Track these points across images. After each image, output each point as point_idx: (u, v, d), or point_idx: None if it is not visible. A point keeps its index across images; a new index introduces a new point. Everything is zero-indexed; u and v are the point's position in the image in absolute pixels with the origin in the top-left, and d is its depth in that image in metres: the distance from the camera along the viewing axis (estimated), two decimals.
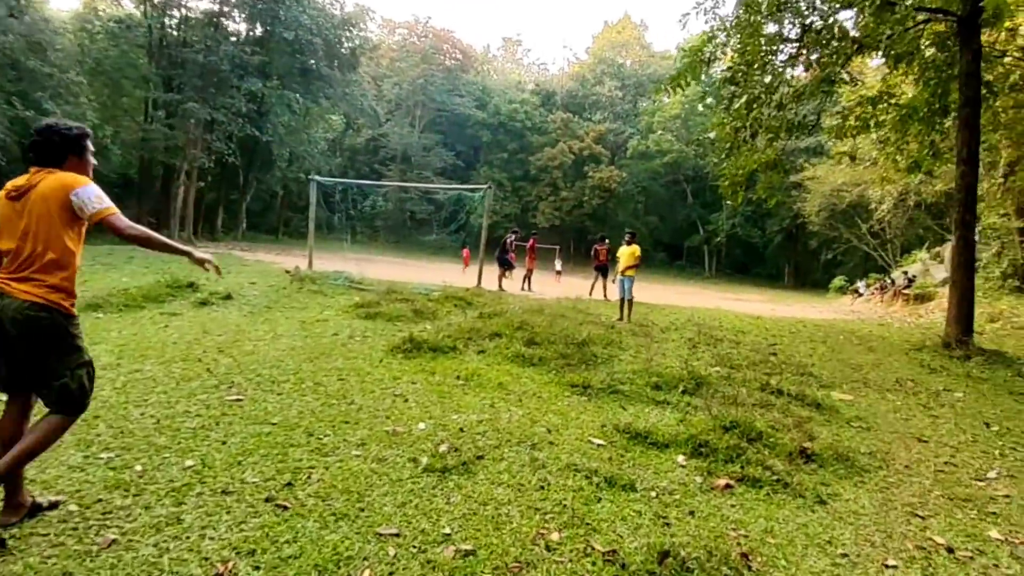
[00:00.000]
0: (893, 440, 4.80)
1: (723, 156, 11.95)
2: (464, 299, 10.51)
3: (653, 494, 3.28)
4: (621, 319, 10.23)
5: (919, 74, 11.59)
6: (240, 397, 4.36)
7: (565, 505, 3.02)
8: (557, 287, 19.15)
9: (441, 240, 42.21)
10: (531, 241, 18.13)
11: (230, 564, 2.26)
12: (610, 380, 5.66)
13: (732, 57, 11.06)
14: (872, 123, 11.72)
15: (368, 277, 12.99)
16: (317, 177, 16.75)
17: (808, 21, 10.19)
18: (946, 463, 4.35)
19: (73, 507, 2.60)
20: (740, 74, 10.70)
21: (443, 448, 3.63)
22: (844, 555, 2.81)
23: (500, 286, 15.02)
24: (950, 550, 2.94)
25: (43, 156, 2.51)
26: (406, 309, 8.87)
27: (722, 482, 3.51)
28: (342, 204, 19.27)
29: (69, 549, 2.29)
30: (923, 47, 11.21)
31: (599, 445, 3.98)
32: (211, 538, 2.43)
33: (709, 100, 21.10)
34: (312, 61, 32.30)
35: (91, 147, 2.66)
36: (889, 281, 23.50)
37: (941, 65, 10.97)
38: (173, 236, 27.11)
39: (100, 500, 2.68)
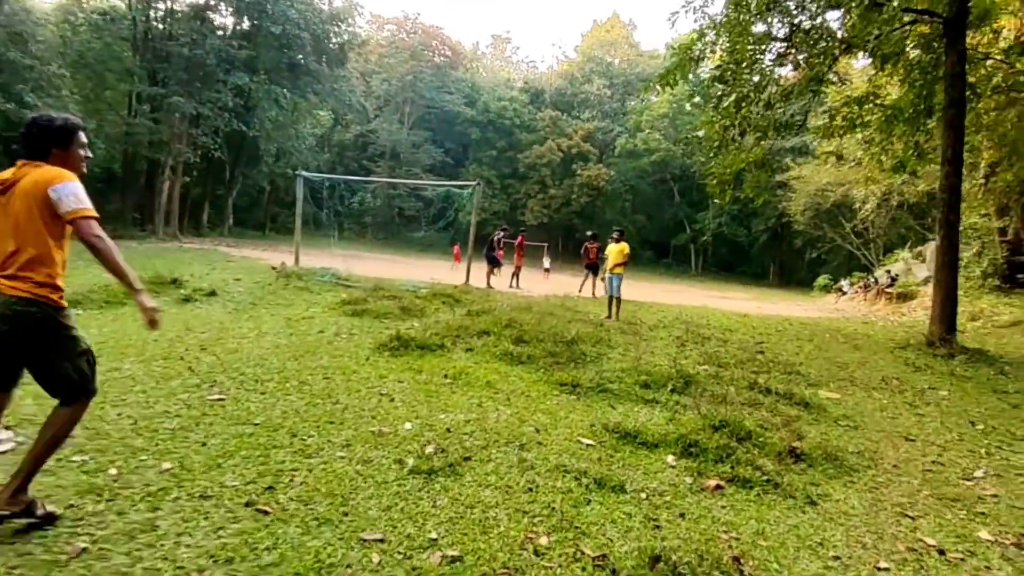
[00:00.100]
0: (881, 439, 4.80)
1: (711, 155, 11.96)
2: (452, 296, 10.44)
3: (643, 495, 3.24)
4: (609, 317, 10.20)
5: (904, 75, 11.68)
6: (222, 396, 4.26)
7: (554, 508, 2.97)
8: (545, 284, 19.11)
9: (430, 237, 42.02)
10: (519, 239, 18.05)
11: (206, 573, 2.18)
12: (599, 379, 5.62)
13: (721, 56, 11.06)
14: (858, 123, 11.78)
15: (356, 274, 12.86)
16: (304, 172, 16.56)
17: (797, 21, 10.21)
18: (934, 462, 4.35)
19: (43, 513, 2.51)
20: (729, 73, 10.70)
21: (430, 449, 3.56)
22: (836, 557, 2.78)
23: (488, 283, 14.94)
24: (941, 552, 2.92)
25: (28, 149, 2.45)
26: (393, 306, 8.79)
27: (712, 483, 3.47)
28: (330, 200, 19.08)
29: (36, 559, 2.20)
30: (908, 49, 11.29)
31: (588, 445, 3.94)
32: (187, 545, 2.34)
33: (697, 99, 21.13)
34: (300, 56, 31.91)
35: (82, 139, 2.58)
36: (872, 280, 23.72)
37: (926, 66, 11.05)
38: (158, 232, 26.81)
39: (72, 506, 2.58)
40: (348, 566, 2.31)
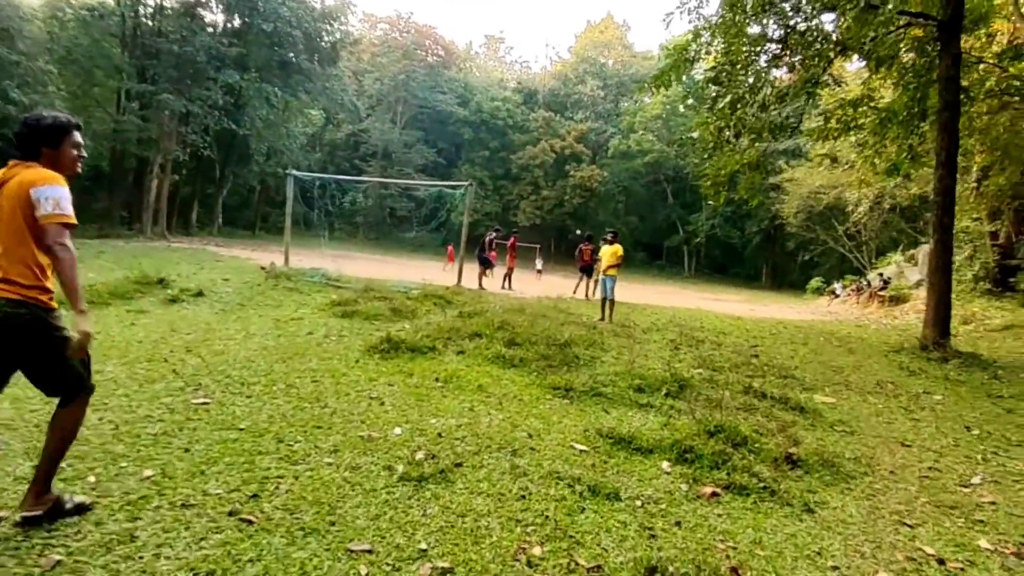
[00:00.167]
0: (877, 444, 4.76)
1: (706, 156, 11.94)
2: (444, 298, 10.35)
3: (638, 503, 3.17)
4: (603, 319, 10.14)
5: (898, 78, 11.70)
6: (207, 400, 4.16)
7: (547, 516, 2.89)
8: (538, 286, 19.06)
9: (421, 237, 41.89)
10: (512, 240, 17.98)
11: None
12: (592, 382, 5.55)
13: (716, 57, 11.04)
14: (852, 126, 11.79)
15: (346, 274, 12.74)
16: (295, 172, 16.40)
17: (792, 22, 10.19)
18: (930, 468, 4.31)
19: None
20: (724, 74, 10.68)
21: (420, 455, 3.48)
22: (835, 567, 2.72)
23: (480, 285, 14.87)
24: (941, 561, 2.87)
25: (21, 148, 2.44)
26: (384, 307, 8.69)
27: (708, 490, 3.41)
28: (321, 200, 18.92)
29: (8, 571, 2.10)
30: (902, 52, 11.31)
31: (582, 451, 3.86)
32: (167, 557, 2.25)
33: (690, 100, 21.18)
34: (291, 54, 31.72)
35: (74, 139, 2.53)
36: (865, 283, 23.83)
37: (920, 70, 11.08)
38: (146, 230, 26.53)
39: None
40: None
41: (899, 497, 3.68)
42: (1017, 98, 13.36)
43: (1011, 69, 13.17)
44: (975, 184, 17.30)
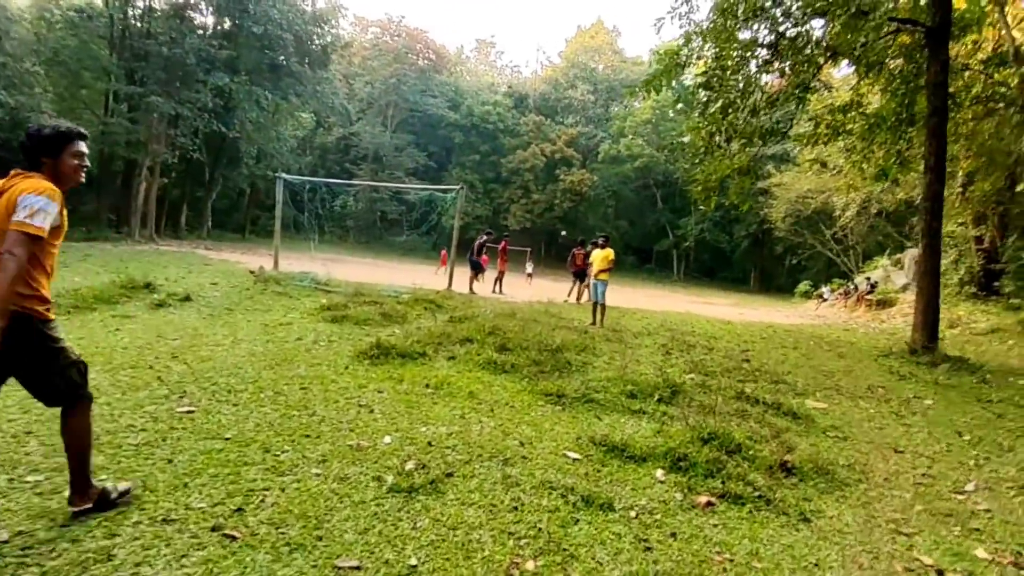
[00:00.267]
0: (870, 451, 4.74)
1: (696, 161, 11.96)
2: (434, 302, 10.26)
3: (632, 513, 3.11)
4: (594, 324, 10.10)
5: (886, 84, 11.79)
6: (192, 408, 4.06)
7: (540, 528, 2.83)
8: (528, 290, 19.00)
9: (412, 241, 41.70)
10: (503, 243, 17.93)
11: None
12: (584, 388, 5.50)
13: (707, 62, 11.07)
14: (842, 131, 11.86)
15: (336, 278, 12.63)
16: (284, 175, 16.26)
17: (782, 28, 10.24)
18: (924, 475, 4.29)
19: None
20: (716, 79, 10.70)
21: (410, 465, 3.40)
22: None
23: (471, 289, 14.80)
24: (940, 572, 2.83)
25: (24, 158, 2.45)
26: (374, 312, 8.59)
27: (703, 499, 3.36)
28: (311, 204, 18.77)
29: None
30: (890, 58, 11.39)
31: (575, 459, 3.80)
32: None
33: (680, 105, 21.26)
34: (282, 57, 31.54)
35: (75, 148, 2.51)
36: (852, 287, 24.02)
37: (908, 75, 11.16)
38: (134, 234, 26.25)
39: (21, 532, 2.39)
40: None
41: (894, 505, 3.66)
42: (1002, 105, 13.52)
43: (996, 76, 13.34)
44: (960, 189, 17.49)
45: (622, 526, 2.96)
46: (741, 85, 10.70)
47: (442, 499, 3.04)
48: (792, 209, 31.68)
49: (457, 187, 16.38)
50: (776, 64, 10.56)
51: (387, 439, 3.82)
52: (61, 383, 2.47)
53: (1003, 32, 13.59)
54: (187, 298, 8.87)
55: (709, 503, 3.32)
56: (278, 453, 3.43)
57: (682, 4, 11.06)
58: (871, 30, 8.91)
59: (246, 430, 3.75)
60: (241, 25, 29.46)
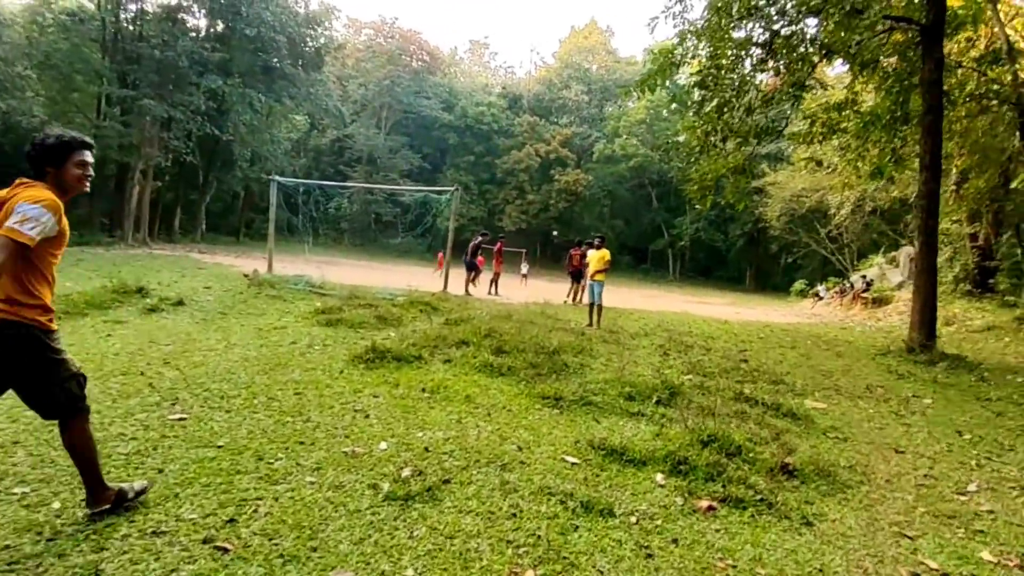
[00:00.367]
0: (871, 452, 4.70)
1: (692, 160, 11.93)
2: (430, 304, 10.20)
3: (633, 519, 3.06)
4: (591, 325, 10.05)
5: (880, 82, 11.79)
6: (184, 416, 3.99)
7: (539, 536, 2.77)
8: (523, 290, 18.95)
9: (407, 243, 41.59)
10: (498, 244, 17.88)
11: None
12: (582, 391, 5.44)
13: (701, 61, 11.04)
14: (837, 129, 11.86)
15: (331, 281, 12.55)
16: (278, 178, 16.17)
17: (777, 26, 10.22)
18: (926, 476, 4.25)
19: None
20: (710, 78, 10.67)
21: (406, 472, 3.34)
22: None
23: (467, 290, 14.74)
24: None
25: (30, 167, 2.45)
26: (369, 315, 8.53)
27: (704, 504, 3.31)
28: (305, 206, 18.71)
29: None
30: (884, 56, 11.39)
31: (573, 464, 3.75)
32: None
33: (674, 105, 21.24)
34: (275, 59, 31.42)
35: (79, 157, 2.50)
36: (848, 285, 24.04)
37: (902, 74, 11.16)
38: (127, 238, 26.09)
39: (7, 546, 2.32)
40: None
41: (897, 507, 3.62)
42: (995, 102, 13.54)
43: (989, 73, 13.35)
44: (954, 187, 17.53)
45: (623, 532, 2.91)
46: (736, 84, 10.67)
47: (439, 507, 2.99)
48: (787, 208, 31.73)
49: (452, 188, 16.34)
50: (771, 63, 10.54)
51: (383, 445, 3.76)
52: (60, 395, 2.46)
53: (996, 29, 13.62)
54: (180, 302, 8.79)
55: (710, 507, 3.28)
56: (271, 461, 3.36)
57: (676, 3, 11.05)
58: (865, 28, 8.90)
59: (239, 437, 3.68)
60: (234, 27, 29.33)
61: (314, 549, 2.48)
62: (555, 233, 44.97)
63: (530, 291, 18.40)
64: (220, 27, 30.91)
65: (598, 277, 10.44)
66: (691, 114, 12.12)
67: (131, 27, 28.05)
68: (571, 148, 49.90)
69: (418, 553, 2.53)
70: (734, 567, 2.68)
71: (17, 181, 2.41)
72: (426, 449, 3.76)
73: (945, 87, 11.23)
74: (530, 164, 47.80)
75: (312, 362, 5.89)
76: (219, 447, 3.50)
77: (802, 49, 10.23)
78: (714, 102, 10.76)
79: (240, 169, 35.30)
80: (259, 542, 2.49)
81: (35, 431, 3.49)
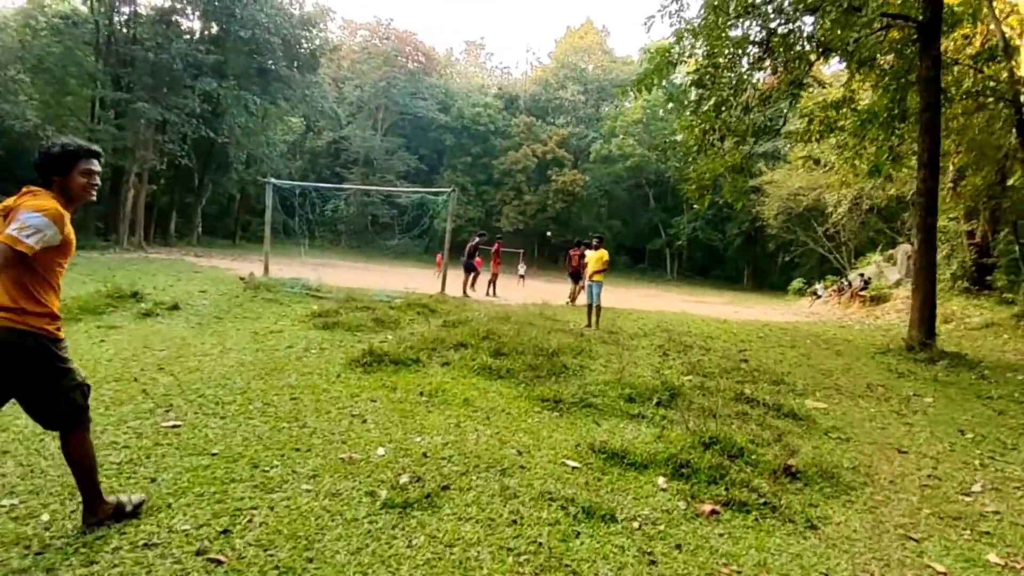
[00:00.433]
0: (873, 452, 4.66)
1: (690, 159, 11.90)
2: (427, 306, 10.14)
3: (635, 524, 3.01)
4: (589, 326, 10.00)
5: (876, 80, 11.77)
6: (178, 423, 3.93)
7: (541, 543, 2.72)
8: (521, 292, 18.90)
9: (404, 244, 41.54)
10: (496, 245, 17.81)
11: None
12: (582, 393, 5.39)
13: (697, 60, 11.01)
14: (835, 127, 11.84)
15: (328, 283, 12.47)
16: (274, 180, 16.09)
17: (774, 25, 10.19)
18: (929, 476, 4.21)
19: None
20: (708, 76, 10.63)
21: (404, 478, 3.29)
22: None
23: (464, 292, 14.69)
24: None
25: (38, 176, 2.45)
26: (366, 318, 8.47)
27: (707, 508, 3.26)
28: (301, 209, 18.64)
29: None
30: (881, 54, 11.37)
31: (574, 468, 3.70)
32: None
33: (671, 104, 21.22)
34: (270, 61, 31.35)
35: (84, 166, 2.48)
36: (846, 283, 24.03)
37: (899, 71, 11.14)
38: (122, 241, 26.02)
39: None
40: None
41: (901, 509, 3.57)
42: (992, 99, 13.54)
43: (986, 70, 13.35)
44: (952, 184, 17.52)
45: (625, 538, 2.86)
46: (734, 82, 10.64)
47: (438, 514, 2.93)
48: (784, 206, 31.73)
49: (449, 189, 16.29)
50: (768, 61, 10.51)
51: (380, 451, 3.70)
52: (65, 406, 2.44)
53: (991, 27, 13.62)
54: (175, 307, 8.71)
55: (713, 511, 3.23)
56: (267, 468, 3.30)
57: (672, 2, 11.01)
58: (863, 26, 8.87)
59: (234, 444, 3.62)
60: (228, 30, 29.27)
61: (310, 560, 2.42)
62: (548, 234, 44.98)
63: (528, 292, 18.35)
64: (214, 29, 30.86)
65: (596, 278, 10.39)
66: (688, 113, 12.08)
67: (124, 30, 28.00)
68: (568, 148, 49.91)
69: (417, 563, 2.48)
70: (739, 573, 2.63)
71: (24, 189, 2.40)
72: (424, 454, 3.70)
73: (942, 84, 11.22)
74: (527, 165, 47.79)
75: (309, 366, 5.83)
76: (213, 455, 3.43)
77: (799, 47, 10.20)
78: (712, 101, 10.71)
79: (236, 172, 35.25)
80: (254, 553, 2.43)
81: (25, 440, 3.43)
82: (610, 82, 52.03)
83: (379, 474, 3.34)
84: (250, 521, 2.69)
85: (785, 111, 11.37)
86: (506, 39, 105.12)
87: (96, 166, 2.53)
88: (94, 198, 2.57)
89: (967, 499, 3.83)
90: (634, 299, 19.25)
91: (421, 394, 5.05)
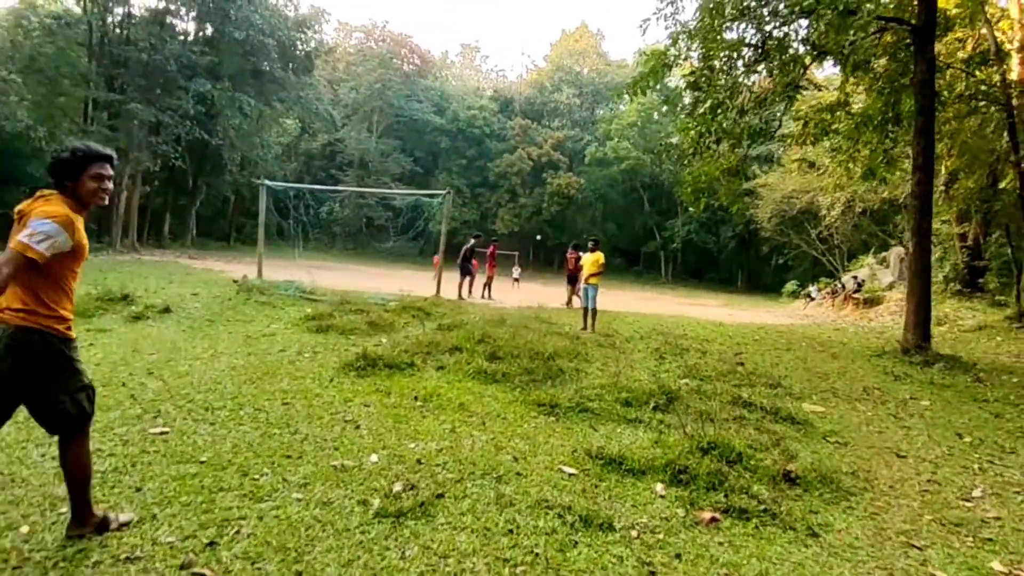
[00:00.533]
0: (872, 456, 4.61)
1: (685, 162, 11.86)
2: (422, 309, 10.08)
3: (634, 533, 2.95)
4: (585, 329, 9.95)
5: (871, 84, 11.78)
6: (166, 429, 3.85)
7: (537, 554, 2.66)
8: (515, 294, 18.83)
9: (399, 247, 41.41)
10: (492, 248, 17.75)
11: None
12: (578, 397, 5.34)
13: (693, 63, 10.99)
14: (829, 130, 11.84)
15: (322, 286, 12.38)
16: (268, 182, 15.96)
17: (769, 28, 10.17)
18: (929, 481, 4.16)
19: None
20: (703, 79, 10.61)
21: (398, 486, 3.22)
22: None
23: (460, 295, 14.61)
24: None
25: (52, 180, 2.45)
26: (360, 321, 8.40)
27: (707, 515, 3.20)
28: (296, 211, 18.53)
29: None
30: (876, 57, 11.38)
31: (571, 475, 3.64)
32: None
33: (665, 108, 21.24)
34: (265, 63, 31.20)
35: (95, 171, 2.46)
36: (839, 286, 24.08)
37: (893, 75, 11.15)
38: (115, 244, 25.79)
39: None
40: None
41: (903, 515, 3.52)
42: (984, 103, 13.58)
43: (978, 74, 13.39)
44: (944, 187, 17.57)
45: (623, 547, 2.80)
46: (729, 85, 10.62)
47: (432, 523, 2.86)
48: (778, 209, 31.76)
49: (444, 192, 16.22)
50: (763, 64, 10.49)
51: (373, 457, 3.63)
52: (72, 407, 2.43)
53: (983, 31, 13.67)
54: (167, 310, 8.62)
55: (713, 519, 3.17)
56: (257, 477, 3.23)
57: (667, 5, 10.99)
58: (858, 29, 8.86)
59: (223, 452, 3.54)
60: (222, 31, 29.13)
61: (299, 573, 2.35)
62: (539, 237, 45.05)
63: (523, 294, 18.29)
64: (208, 30, 30.72)
65: (592, 280, 10.34)
66: (683, 116, 12.06)
67: (118, 30, 27.83)
68: (563, 151, 49.92)
69: (410, 575, 2.41)
70: None
71: (37, 194, 2.40)
72: (418, 461, 3.63)
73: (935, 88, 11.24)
74: (522, 167, 47.75)
75: (301, 370, 5.76)
76: (202, 462, 3.36)
77: (794, 50, 10.19)
78: (707, 104, 10.69)
79: (230, 174, 35.03)
80: (240, 567, 2.35)
81: (6, 448, 3.34)
82: (605, 85, 52.13)
83: (372, 482, 3.27)
84: (238, 532, 2.62)
85: (780, 114, 11.34)
86: (501, 42, 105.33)
87: (107, 170, 2.51)
88: (105, 202, 2.56)
89: (968, 504, 3.78)
90: (630, 302, 19.22)
91: (415, 399, 4.98)
